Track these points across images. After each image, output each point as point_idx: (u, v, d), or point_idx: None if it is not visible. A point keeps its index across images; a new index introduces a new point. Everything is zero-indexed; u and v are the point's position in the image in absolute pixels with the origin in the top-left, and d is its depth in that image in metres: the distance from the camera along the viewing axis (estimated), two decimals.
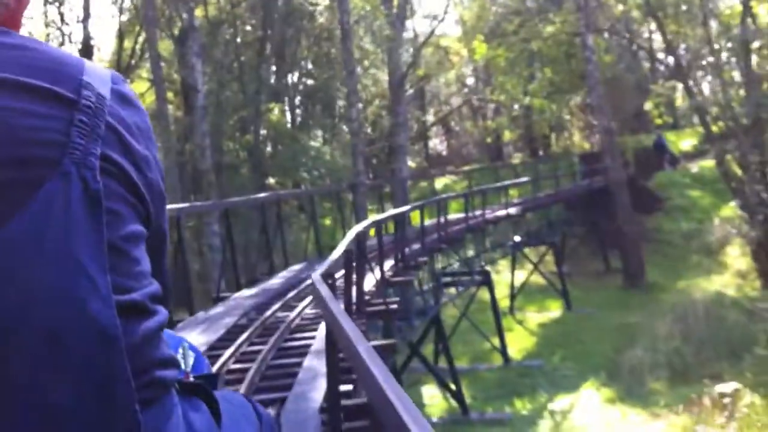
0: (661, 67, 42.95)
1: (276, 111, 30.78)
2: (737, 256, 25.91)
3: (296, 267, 13.84)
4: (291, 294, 10.42)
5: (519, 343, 20.67)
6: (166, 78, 27.38)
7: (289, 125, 31.28)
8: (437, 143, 47.25)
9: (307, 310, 9.22)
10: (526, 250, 24.64)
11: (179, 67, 25.98)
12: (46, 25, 27.40)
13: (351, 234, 8.38)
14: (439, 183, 30.80)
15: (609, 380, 16.74)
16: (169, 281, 1.10)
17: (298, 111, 33.65)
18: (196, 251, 21.79)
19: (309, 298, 9.77)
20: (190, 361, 1.28)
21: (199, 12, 26.56)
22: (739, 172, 25.11)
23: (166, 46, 30.00)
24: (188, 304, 9.76)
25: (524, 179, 25.43)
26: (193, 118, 21.88)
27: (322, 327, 7.91)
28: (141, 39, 28.43)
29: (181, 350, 1.26)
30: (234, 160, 28.51)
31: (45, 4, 26.88)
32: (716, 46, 26.74)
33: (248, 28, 31.78)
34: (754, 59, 24.41)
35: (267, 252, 13.72)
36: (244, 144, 28.89)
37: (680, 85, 39.78)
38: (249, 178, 27.39)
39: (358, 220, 20.38)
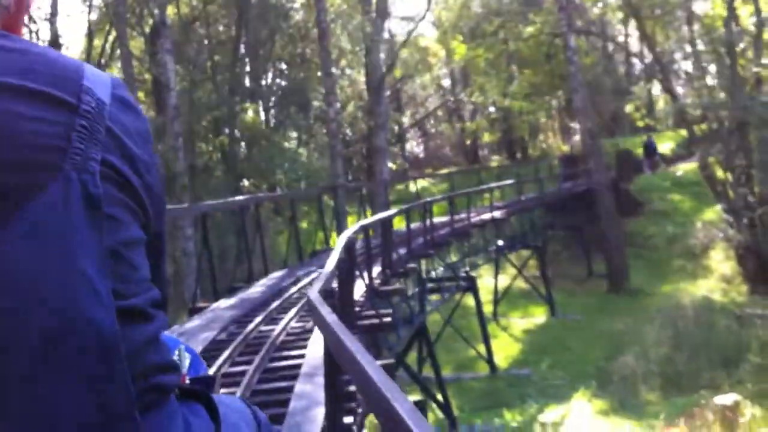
0: (637, 70, 42.92)
1: (251, 112, 30.03)
2: (721, 260, 25.56)
3: (277, 274, 13.05)
4: (274, 305, 9.65)
5: (504, 350, 20.08)
6: (137, 77, 26.55)
7: (263, 126, 30.53)
8: (414, 146, 46.69)
9: (293, 323, 8.49)
10: (509, 255, 24.06)
11: (151, 65, 25.14)
12: None
13: (341, 241, 7.67)
14: (416, 186, 30.10)
15: (600, 390, 16.17)
16: (167, 286, 1.08)
17: (272, 112, 32.87)
18: (170, 257, 20.93)
19: (294, 310, 9.04)
20: (186, 363, 1.29)
21: (170, 10, 25.73)
22: (722, 175, 24.77)
23: (137, 44, 29.18)
24: None
25: (509, 181, 24.86)
26: (165, 118, 21.05)
27: (312, 343, 7.19)
28: (111, 37, 27.62)
29: (177, 352, 1.27)
30: (208, 162, 27.72)
31: None
32: (699, 48, 26.44)
33: (221, 28, 31.03)
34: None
35: (246, 258, 12.97)
36: (218, 145, 28.09)
37: (658, 88, 39.75)
38: (223, 181, 26.63)
39: (339, 223, 19.70)
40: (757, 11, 23.43)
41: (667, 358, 17.05)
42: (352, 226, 10.74)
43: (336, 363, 4.22)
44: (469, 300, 19.69)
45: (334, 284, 6.51)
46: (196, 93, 26.98)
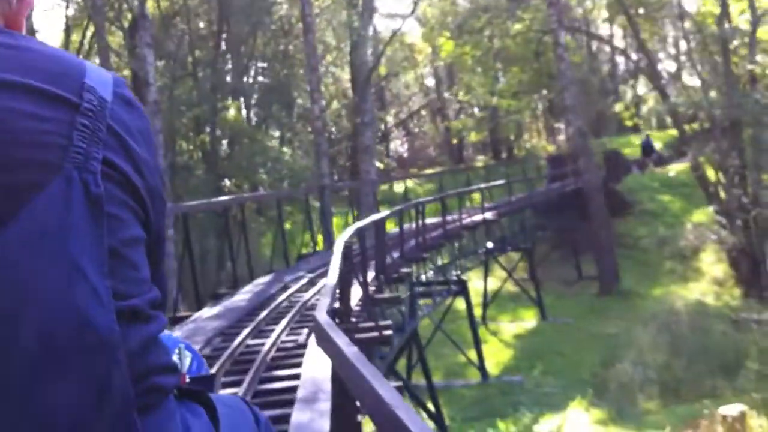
0: (620, 70, 42.58)
1: (232, 109, 29.30)
2: (712, 263, 25.14)
3: (263, 280, 12.35)
4: (262, 315, 8.96)
5: (495, 356, 19.49)
6: (116, 71, 25.74)
7: (245, 124, 29.80)
8: (398, 145, 46.07)
9: (284, 336, 7.83)
10: (498, 257, 23.49)
11: (130, 59, 24.35)
12: None
13: (339, 248, 7.02)
14: (400, 186, 29.44)
15: (597, 398, 15.60)
16: (166, 287, 1.06)
17: (255, 109, 32.13)
18: None
19: (284, 321, 8.38)
20: (187, 362, 1.26)
21: (150, 4, 24.95)
22: (715, 176, 24.34)
23: (115, 39, 28.37)
24: None
25: (500, 182, 24.28)
26: None
27: (307, 362, 6.54)
28: (89, 33, 26.80)
29: (177, 351, 1.24)
30: (188, 160, 26.97)
31: None
32: (692, 45, 26.02)
33: (202, 24, 30.27)
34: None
35: (229, 262, 12.26)
36: (199, 144, 27.34)
37: (644, 87, 39.43)
38: (204, 180, 25.91)
39: (325, 224, 19.02)
40: (752, 8, 22.99)
41: (665, 364, 16.54)
42: (347, 229, 10.07)
43: (349, 396, 3.59)
44: (459, 304, 19.10)
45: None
46: (176, 89, 26.22)
